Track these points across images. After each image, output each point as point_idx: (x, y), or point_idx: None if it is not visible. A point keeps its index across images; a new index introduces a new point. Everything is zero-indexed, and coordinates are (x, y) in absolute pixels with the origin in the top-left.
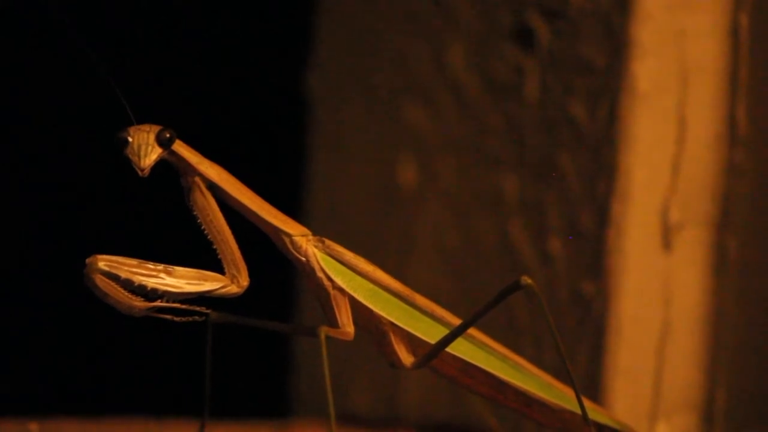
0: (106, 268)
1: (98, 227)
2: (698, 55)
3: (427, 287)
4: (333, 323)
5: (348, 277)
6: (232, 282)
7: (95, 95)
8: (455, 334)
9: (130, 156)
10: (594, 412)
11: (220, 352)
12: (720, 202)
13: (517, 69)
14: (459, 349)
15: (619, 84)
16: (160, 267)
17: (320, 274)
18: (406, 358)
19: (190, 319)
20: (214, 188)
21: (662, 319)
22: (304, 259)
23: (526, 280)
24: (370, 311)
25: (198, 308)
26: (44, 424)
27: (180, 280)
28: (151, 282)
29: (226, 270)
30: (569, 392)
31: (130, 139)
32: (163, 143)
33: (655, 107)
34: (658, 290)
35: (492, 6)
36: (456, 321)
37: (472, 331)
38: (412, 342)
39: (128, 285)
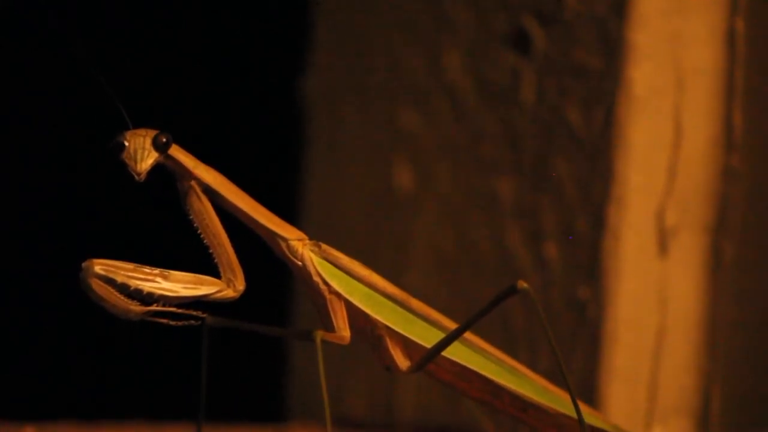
0: (102, 272)
1: (94, 231)
2: (694, 59)
3: (423, 291)
4: (329, 327)
5: (344, 281)
6: (229, 286)
7: (91, 99)
8: (451, 338)
9: (126, 160)
10: (590, 417)
11: (217, 356)
12: (716, 207)
13: (513, 73)
14: (455, 353)
15: (615, 88)
16: (156, 271)
17: (316, 278)
18: (402, 362)
19: (187, 323)
20: (210, 192)
21: (658, 323)
22: (300, 263)
23: (522, 284)
24: (366, 315)
25: (194, 312)
26: (40, 427)
27: (176, 284)
28: (147, 286)
29: (222, 274)
30: (565, 397)
31: (126, 144)
32: (160, 147)
33: (651, 111)
34: (654, 294)
35: (488, 10)
36: (452, 325)
37: (468, 335)
38: (408, 346)
39: (124, 289)
